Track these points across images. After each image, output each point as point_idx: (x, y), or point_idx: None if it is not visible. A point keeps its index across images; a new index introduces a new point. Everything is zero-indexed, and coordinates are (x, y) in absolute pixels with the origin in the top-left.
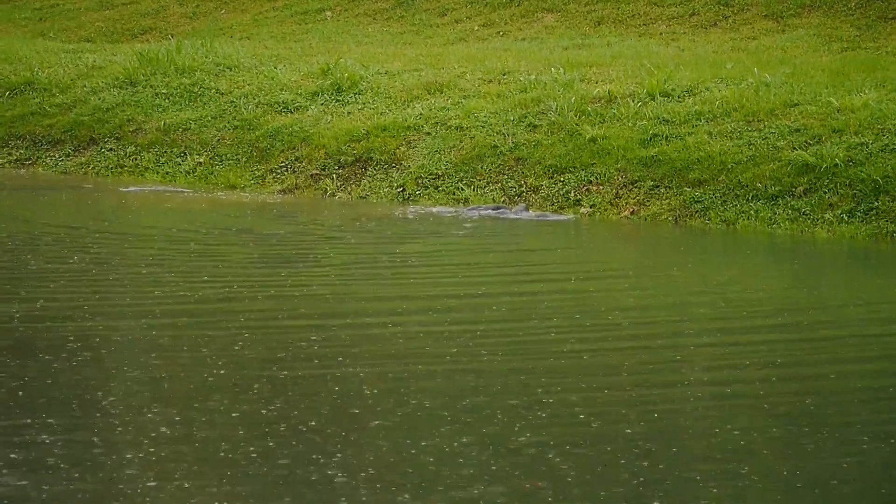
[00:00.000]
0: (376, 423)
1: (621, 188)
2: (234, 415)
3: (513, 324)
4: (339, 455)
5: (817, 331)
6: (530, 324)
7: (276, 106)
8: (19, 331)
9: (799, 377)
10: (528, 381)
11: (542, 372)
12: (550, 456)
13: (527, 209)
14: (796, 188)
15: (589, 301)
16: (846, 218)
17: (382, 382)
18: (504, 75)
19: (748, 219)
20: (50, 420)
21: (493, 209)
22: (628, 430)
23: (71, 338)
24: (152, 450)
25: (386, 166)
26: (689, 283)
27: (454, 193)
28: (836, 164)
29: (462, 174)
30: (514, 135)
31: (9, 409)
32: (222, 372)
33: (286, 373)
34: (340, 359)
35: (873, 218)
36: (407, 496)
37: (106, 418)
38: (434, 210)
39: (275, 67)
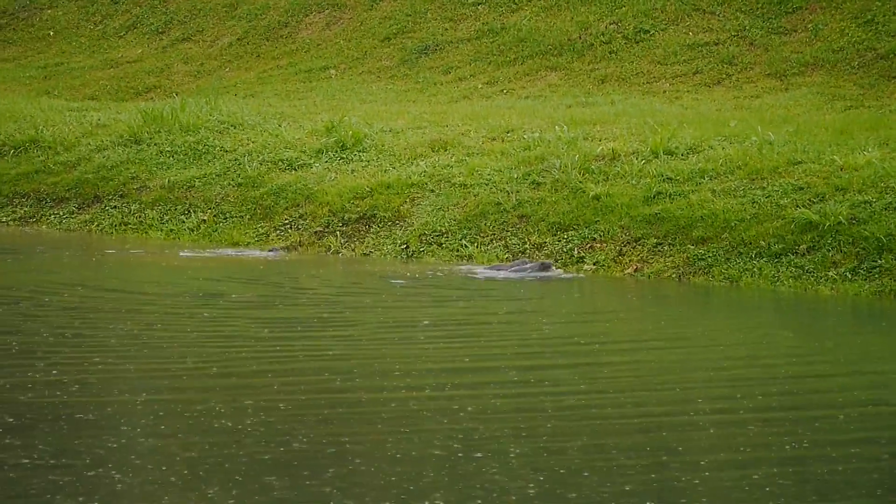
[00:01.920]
0: None
1: (625, 245)
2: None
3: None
4: None
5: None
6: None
7: (280, 164)
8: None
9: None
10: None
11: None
12: None
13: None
14: (800, 246)
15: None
16: (849, 276)
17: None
18: (508, 133)
19: (751, 276)
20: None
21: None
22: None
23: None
24: None
25: (389, 223)
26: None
27: (458, 250)
28: (839, 223)
29: (466, 231)
30: (517, 192)
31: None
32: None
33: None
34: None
35: (876, 276)
36: None
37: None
38: (447, 269)
39: (279, 125)
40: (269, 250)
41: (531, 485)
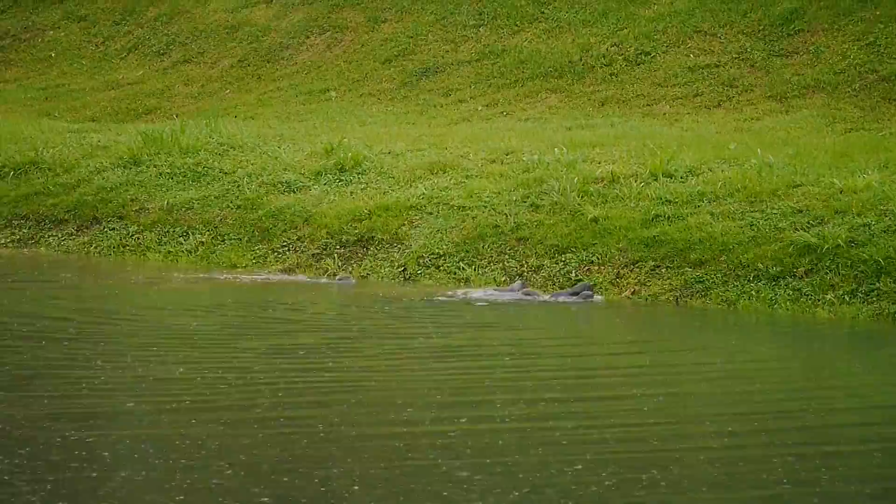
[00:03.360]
0: None
1: (622, 268)
2: None
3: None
4: None
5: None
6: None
7: (279, 186)
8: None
9: None
10: None
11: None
12: None
13: (523, 286)
14: (798, 269)
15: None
16: (847, 299)
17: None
18: (507, 155)
19: (749, 299)
20: None
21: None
22: None
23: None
24: None
25: (388, 246)
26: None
27: (455, 273)
28: (838, 245)
29: (464, 254)
30: (516, 215)
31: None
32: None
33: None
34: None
35: (874, 299)
36: None
37: None
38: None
39: (278, 147)
40: (338, 278)
41: None
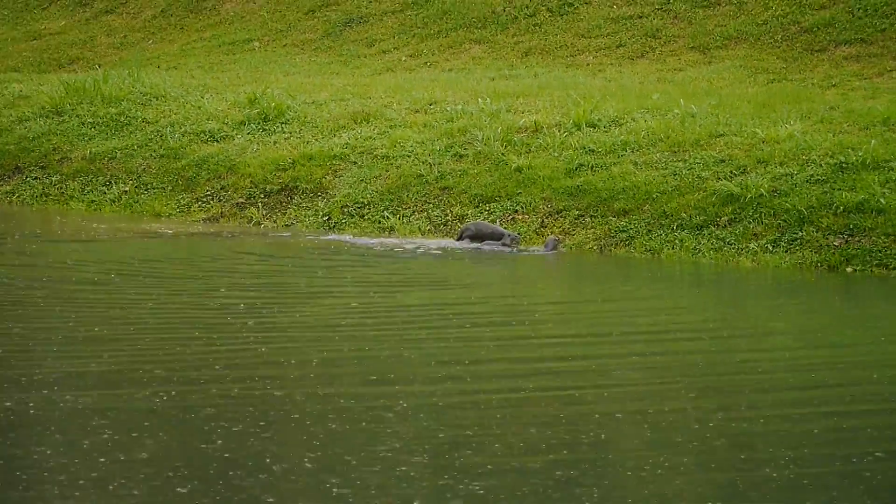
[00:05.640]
0: None
1: (547, 217)
2: None
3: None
4: None
5: None
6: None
7: (202, 135)
8: None
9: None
10: None
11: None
12: None
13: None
14: (721, 218)
15: None
16: (770, 248)
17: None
18: (431, 105)
19: (673, 248)
20: None
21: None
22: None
23: None
24: None
25: (312, 195)
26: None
27: (380, 222)
28: (760, 195)
29: (388, 203)
30: (440, 164)
31: None
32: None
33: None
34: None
35: (797, 248)
36: None
37: None
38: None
39: (201, 97)
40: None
41: None
